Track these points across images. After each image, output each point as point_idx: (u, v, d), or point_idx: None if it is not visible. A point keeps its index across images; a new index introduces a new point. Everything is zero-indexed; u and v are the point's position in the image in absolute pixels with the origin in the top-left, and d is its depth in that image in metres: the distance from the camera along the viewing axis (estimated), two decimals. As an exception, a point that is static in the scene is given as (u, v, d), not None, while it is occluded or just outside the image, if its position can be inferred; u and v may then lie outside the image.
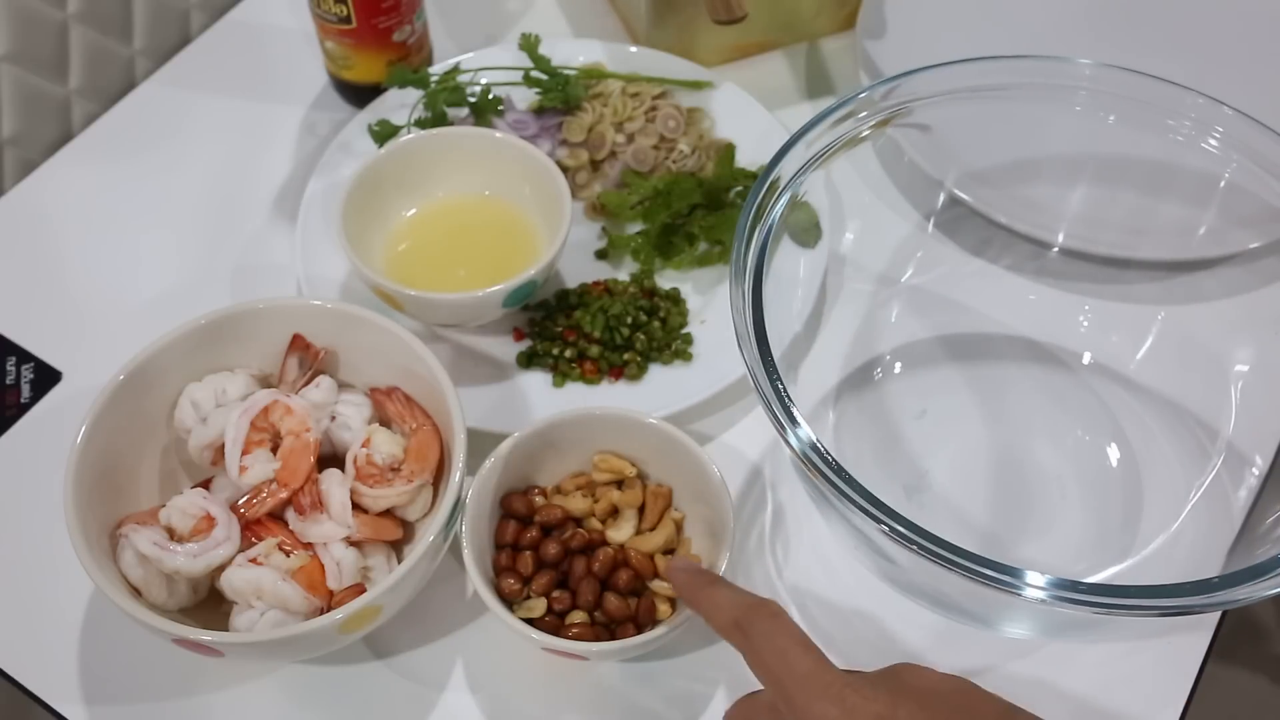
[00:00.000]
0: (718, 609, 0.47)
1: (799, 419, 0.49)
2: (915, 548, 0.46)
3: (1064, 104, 0.63)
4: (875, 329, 0.69)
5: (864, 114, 0.60)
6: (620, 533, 0.58)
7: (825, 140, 0.59)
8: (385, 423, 0.60)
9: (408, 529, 0.59)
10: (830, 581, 0.61)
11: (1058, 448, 0.65)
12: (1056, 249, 0.69)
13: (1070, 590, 0.45)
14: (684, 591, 0.51)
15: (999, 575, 0.45)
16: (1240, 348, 0.64)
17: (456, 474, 0.54)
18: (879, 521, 0.47)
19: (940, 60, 0.61)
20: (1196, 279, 0.67)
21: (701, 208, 0.72)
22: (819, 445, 0.49)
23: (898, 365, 0.68)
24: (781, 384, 0.50)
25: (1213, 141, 0.60)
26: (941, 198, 0.70)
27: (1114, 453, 0.64)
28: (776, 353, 0.52)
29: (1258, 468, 0.60)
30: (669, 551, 0.58)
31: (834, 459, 0.49)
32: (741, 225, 0.55)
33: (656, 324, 0.68)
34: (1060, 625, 0.57)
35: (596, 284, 0.71)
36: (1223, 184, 0.61)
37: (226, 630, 0.54)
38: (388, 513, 0.58)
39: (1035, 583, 0.45)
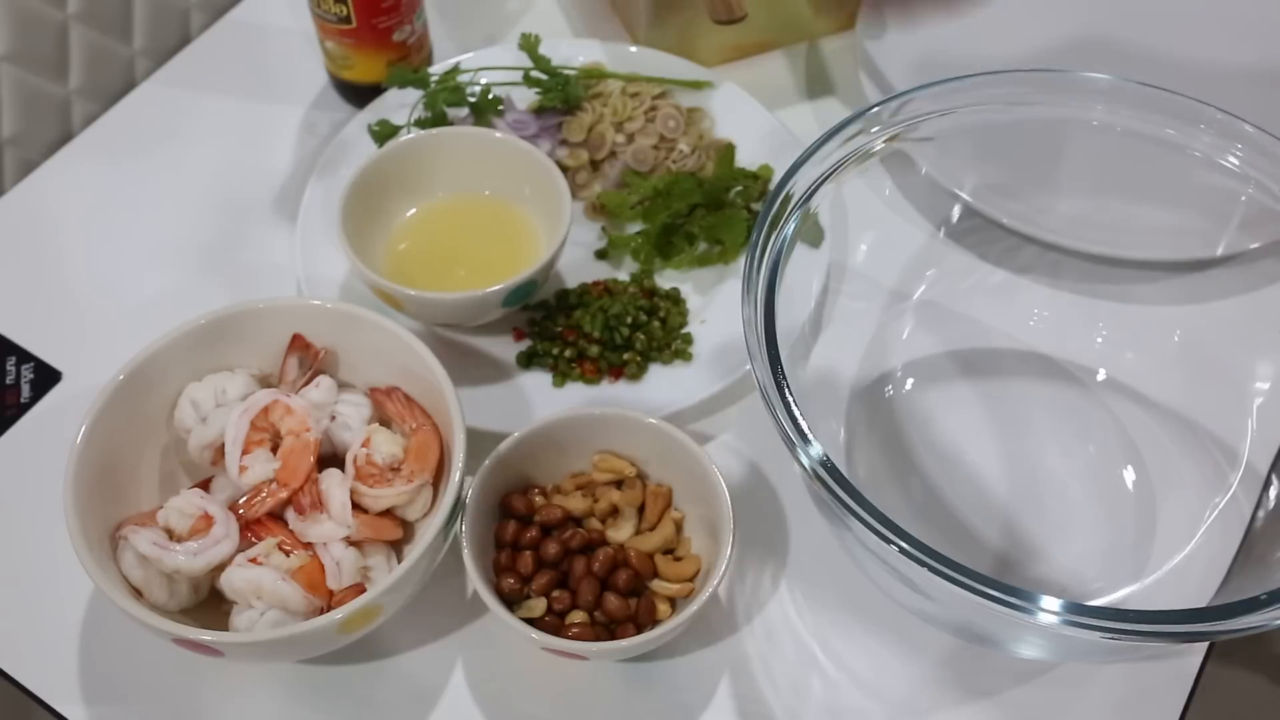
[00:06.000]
0: None
1: (810, 436, 0.49)
2: (927, 568, 0.45)
3: (1079, 117, 0.62)
4: (887, 344, 0.68)
5: (876, 129, 0.60)
6: (620, 532, 0.58)
7: (837, 155, 0.58)
8: (385, 423, 0.60)
9: (408, 529, 0.59)
10: (830, 578, 0.61)
11: (1070, 465, 0.64)
12: (1071, 264, 0.68)
13: (1085, 615, 0.44)
14: None
15: (1011, 598, 0.44)
16: (1260, 366, 0.63)
17: (456, 474, 0.54)
18: (890, 542, 0.46)
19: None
20: (1214, 297, 0.66)
21: (701, 208, 0.72)
22: (830, 463, 0.48)
23: (909, 381, 0.67)
24: (794, 400, 0.50)
25: (1232, 159, 0.59)
26: (955, 212, 0.69)
27: (1128, 471, 0.63)
28: (786, 368, 0.51)
29: (1275, 489, 0.59)
30: (669, 551, 0.58)
31: (845, 477, 0.48)
32: (754, 241, 0.55)
33: (656, 324, 0.68)
34: (1074, 648, 0.55)
35: (596, 284, 0.71)
36: (1244, 199, 0.61)
37: (226, 630, 0.54)
38: (388, 513, 0.58)
39: (1049, 607, 0.44)
